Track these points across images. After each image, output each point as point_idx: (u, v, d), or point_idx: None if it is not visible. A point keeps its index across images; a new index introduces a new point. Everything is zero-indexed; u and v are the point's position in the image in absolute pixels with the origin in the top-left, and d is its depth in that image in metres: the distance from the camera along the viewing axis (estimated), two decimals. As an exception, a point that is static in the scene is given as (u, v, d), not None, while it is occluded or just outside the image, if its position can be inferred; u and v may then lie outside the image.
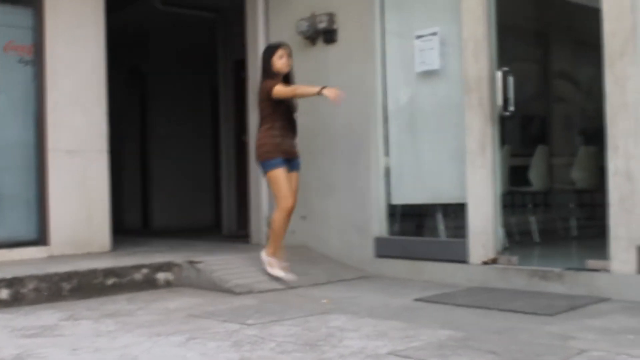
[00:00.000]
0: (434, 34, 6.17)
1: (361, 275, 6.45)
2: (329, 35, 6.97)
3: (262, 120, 6.01)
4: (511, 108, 5.75)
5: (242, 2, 7.97)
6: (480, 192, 5.75)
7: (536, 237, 7.39)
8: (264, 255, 6.07)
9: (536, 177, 7.58)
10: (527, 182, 7.65)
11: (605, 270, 5.05)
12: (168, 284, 6.13)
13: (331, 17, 6.89)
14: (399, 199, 6.60)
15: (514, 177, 7.57)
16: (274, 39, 7.52)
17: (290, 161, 6.01)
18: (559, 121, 10.24)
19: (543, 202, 8.14)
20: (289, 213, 5.98)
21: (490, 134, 5.74)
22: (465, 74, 5.83)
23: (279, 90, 5.86)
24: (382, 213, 6.60)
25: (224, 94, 10.01)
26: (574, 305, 4.76)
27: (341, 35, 6.89)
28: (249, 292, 5.71)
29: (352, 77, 6.74)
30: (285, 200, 5.90)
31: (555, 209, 8.54)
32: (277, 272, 5.97)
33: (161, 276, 6.12)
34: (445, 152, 6.20)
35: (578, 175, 7.81)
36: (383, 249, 6.49)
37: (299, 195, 7.22)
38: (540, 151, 7.69)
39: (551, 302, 4.87)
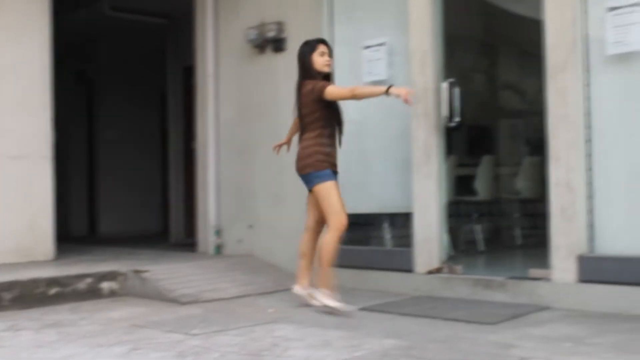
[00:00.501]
0: (382, 44, 6.24)
1: (308, 284, 6.45)
2: (278, 44, 6.98)
3: (307, 126, 5.24)
4: (457, 119, 5.83)
5: (192, 9, 7.94)
6: (426, 202, 5.81)
7: (481, 246, 7.49)
8: (322, 297, 5.16)
9: (482, 186, 7.69)
10: (473, 192, 7.75)
11: (547, 279, 5.15)
12: (112, 294, 6.05)
13: (280, 26, 6.91)
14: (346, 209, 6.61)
15: (461, 187, 7.66)
16: (223, 47, 7.54)
17: (335, 174, 5.29)
18: (505, 131, 10.40)
19: (488, 212, 8.24)
20: (343, 232, 5.16)
21: (436, 144, 5.80)
22: (412, 84, 5.89)
23: (334, 90, 5.14)
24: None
25: (173, 100, 9.95)
26: (515, 313, 4.83)
27: (290, 44, 6.90)
28: (195, 301, 5.67)
29: (301, 86, 6.75)
30: (339, 217, 5.11)
31: (500, 218, 8.66)
32: (335, 303, 5.08)
33: (105, 285, 6.03)
34: (391, 162, 6.26)
35: (523, 185, 7.94)
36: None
37: (248, 204, 7.23)
38: (485, 161, 7.80)
39: (494, 311, 4.94)
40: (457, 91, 5.81)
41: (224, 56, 7.56)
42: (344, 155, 6.53)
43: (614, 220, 4.95)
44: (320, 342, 4.16)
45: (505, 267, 6.34)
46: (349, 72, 6.55)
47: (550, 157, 5.12)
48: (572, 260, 4.99)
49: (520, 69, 10.66)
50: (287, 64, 6.89)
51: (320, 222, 5.35)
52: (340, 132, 5.38)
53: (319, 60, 5.26)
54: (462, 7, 9.02)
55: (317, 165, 5.15)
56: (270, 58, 7.07)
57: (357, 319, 4.90)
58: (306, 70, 5.28)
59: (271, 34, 6.93)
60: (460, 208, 7.77)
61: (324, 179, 5.15)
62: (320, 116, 5.19)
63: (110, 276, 6.08)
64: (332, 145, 5.29)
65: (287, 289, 6.21)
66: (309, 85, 5.18)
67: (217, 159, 7.61)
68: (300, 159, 5.24)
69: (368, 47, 6.33)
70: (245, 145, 7.29)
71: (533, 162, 8.03)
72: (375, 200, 6.43)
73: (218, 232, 7.52)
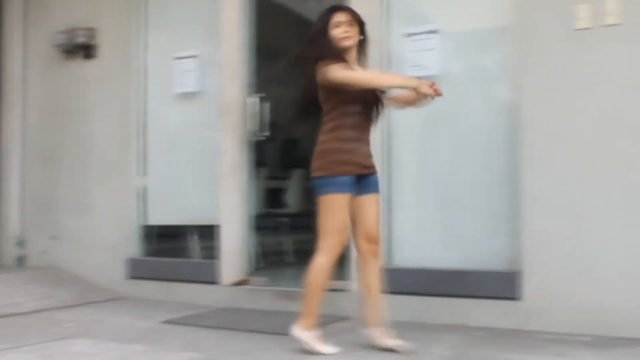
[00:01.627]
0: (194, 56, 6.23)
1: (112, 297, 6.30)
2: (88, 51, 6.78)
3: (324, 117, 4.11)
4: (266, 133, 5.93)
5: (-2, 9, 7.57)
6: (232, 214, 5.85)
7: (290, 258, 7.62)
8: (299, 331, 4.20)
9: (292, 199, 7.84)
10: (284, 204, 7.89)
11: (346, 290, 5.32)
12: None
13: (91, 32, 6.72)
14: (154, 220, 6.55)
15: (272, 199, 7.79)
16: (31, 50, 7.25)
17: (365, 178, 4.16)
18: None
19: (299, 224, 8.40)
20: (337, 256, 4.16)
21: (244, 158, 5.87)
22: (222, 97, 5.93)
23: (336, 73, 3.93)
24: (137, 234, 6.52)
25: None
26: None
27: (102, 51, 6.74)
28: (-13, 316, 5.38)
29: (112, 94, 6.62)
30: (337, 237, 4.08)
31: (311, 230, 8.84)
32: (328, 349, 4.16)
33: None
34: (201, 174, 6.25)
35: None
36: (135, 271, 6.39)
37: (54, 214, 6.95)
38: (296, 174, 7.97)
39: (294, 322, 5.02)
40: (266, 106, 5.91)
41: (33, 60, 7.25)
42: (154, 167, 6.51)
43: (407, 235, 5.22)
44: (117, 356, 4.07)
45: (310, 279, 6.46)
46: (162, 82, 6.50)
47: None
48: (369, 272, 5.18)
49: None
50: (98, 72, 6.74)
51: (367, 237, 4.22)
52: (377, 115, 4.19)
53: (334, 35, 4.07)
54: (277, 22, 9.19)
55: (331, 169, 4.02)
56: (80, 65, 6.85)
57: (158, 333, 4.84)
58: (324, 49, 4.04)
59: (81, 39, 6.72)
60: (272, 220, 7.89)
61: (333, 187, 4.02)
62: (336, 102, 4.04)
63: None
64: (360, 139, 4.07)
65: (90, 302, 6.06)
66: (320, 67, 4.01)
67: (21, 166, 7.27)
68: (314, 158, 4.12)
69: (180, 58, 6.30)
70: (51, 153, 7.02)
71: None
72: (183, 211, 6.39)
73: (20, 243, 7.18)
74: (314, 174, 4.10)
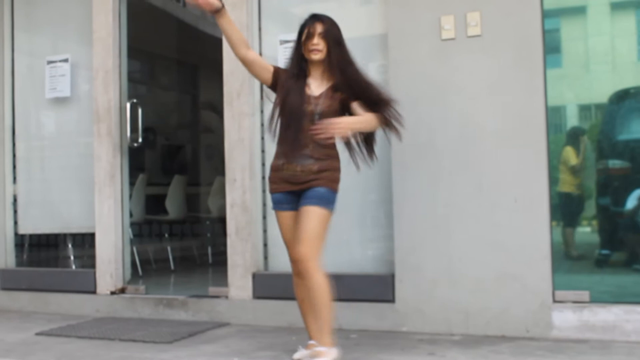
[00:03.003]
0: (66, 60, 6.08)
1: (-17, 310, 6.08)
2: (-47, 53, 6.49)
3: None
4: (140, 139, 5.87)
5: None
6: (109, 222, 5.74)
7: (171, 265, 7.55)
8: (332, 348, 3.84)
9: (172, 205, 7.76)
10: (165, 211, 7.79)
11: (225, 296, 5.33)
12: None
13: (-43, 34, 6.44)
14: (26, 229, 6.35)
15: (154, 206, 7.69)
16: None
17: (294, 194, 3.92)
18: (202, 151, 10.61)
19: (180, 231, 8.35)
20: (297, 271, 3.94)
21: (119, 165, 5.78)
22: (96, 103, 5.81)
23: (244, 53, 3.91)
24: (8, 243, 6.30)
25: None
26: (193, 331, 4.93)
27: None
28: None
29: (-21, 99, 6.37)
30: (289, 251, 4.01)
31: (192, 237, 8.80)
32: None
33: None
34: (75, 181, 6.10)
35: (214, 204, 8.12)
36: (8, 282, 6.16)
37: None
38: (177, 180, 7.89)
39: (173, 330, 5.01)
40: (139, 111, 5.85)
41: None
42: (25, 174, 6.30)
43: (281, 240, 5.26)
44: (-17, 372, 3.95)
45: (190, 285, 6.44)
46: (32, 86, 6.31)
47: (227, 179, 5.33)
48: (249, 278, 5.21)
49: (221, 89, 10.96)
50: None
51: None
52: (310, 122, 3.82)
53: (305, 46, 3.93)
54: (158, 28, 9.11)
55: (270, 186, 4.01)
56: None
57: (31, 345, 4.70)
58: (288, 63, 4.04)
59: (-55, 42, 6.43)
60: (153, 227, 7.80)
61: (273, 206, 4.00)
62: (276, 111, 3.93)
63: None
64: (288, 153, 3.86)
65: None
66: None
67: None
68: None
69: (51, 62, 6.13)
70: None
71: (224, 182, 8.25)
72: (59, 220, 6.21)
73: None
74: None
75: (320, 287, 3.77)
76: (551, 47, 4.63)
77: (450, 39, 4.66)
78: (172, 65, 11.01)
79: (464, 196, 4.60)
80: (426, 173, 4.70)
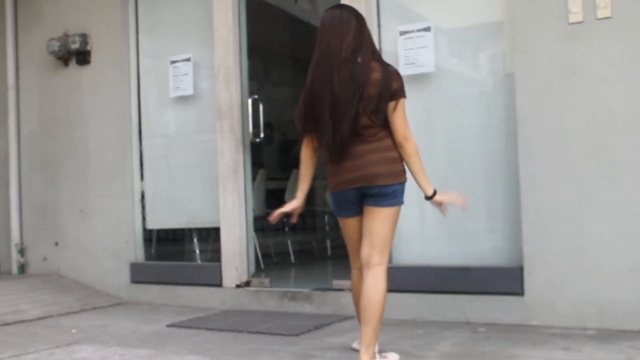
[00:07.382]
0: (188, 59, 6.22)
1: (116, 302, 6.31)
2: (82, 56, 6.77)
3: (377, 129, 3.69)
4: (262, 135, 5.95)
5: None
6: (233, 217, 5.85)
7: (292, 258, 7.63)
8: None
9: (291, 199, 7.79)
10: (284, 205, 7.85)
11: (349, 289, 5.31)
12: None
13: (84, 37, 6.71)
14: (154, 224, 6.56)
15: (273, 200, 7.76)
16: (24, 57, 7.24)
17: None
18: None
19: (301, 225, 8.41)
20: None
21: (242, 160, 5.87)
22: (218, 100, 5.92)
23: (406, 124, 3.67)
24: (138, 238, 6.51)
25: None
26: (319, 324, 4.96)
27: (95, 56, 6.73)
28: (-9, 325, 5.39)
29: (107, 100, 6.61)
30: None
31: (311, 230, 8.84)
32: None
33: None
34: (199, 177, 6.26)
35: (332, 197, 8.10)
36: (138, 275, 6.39)
37: (54, 221, 6.94)
38: (295, 174, 7.94)
39: (299, 322, 5.05)
40: (260, 107, 5.92)
41: (26, 67, 7.25)
42: (152, 171, 6.51)
43: (410, 232, 5.22)
44: (121, 362, 4.09)
45: (313, 278, 6.50)
46: (157, 86, 6.50)
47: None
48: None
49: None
50: (92, 77, 6.73)
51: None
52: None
53: None
54: (272, 24, 9.21)
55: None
56: (74, 70, 6.85)
57: (163, 337, 4.84)
58: (373, 46, 3.74)
59: (75, 45, 6.71)
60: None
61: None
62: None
63: None
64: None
65: (95, 308, 6.07)
66: (382, 71, 3.61)
67: (18, 174, 7.27)
68: (386, 162, 3.74)
69: (174, 62, 6.30)
70: (49, 159, 7.02)
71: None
72: (184, 215, 6.39)
73: (21, 251, 7.18)
74: (401, 179, 3.70)
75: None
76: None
77: (578, 22, 4.48)
78: (287, 61, 11.12)
79: (596, 185, 4.43)
80: (555, 161, 4.54)
